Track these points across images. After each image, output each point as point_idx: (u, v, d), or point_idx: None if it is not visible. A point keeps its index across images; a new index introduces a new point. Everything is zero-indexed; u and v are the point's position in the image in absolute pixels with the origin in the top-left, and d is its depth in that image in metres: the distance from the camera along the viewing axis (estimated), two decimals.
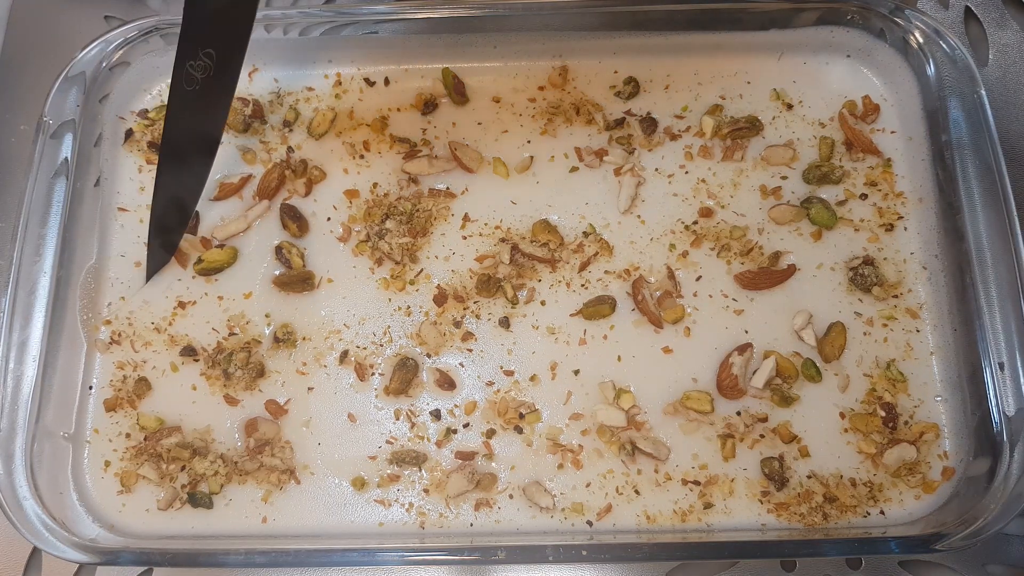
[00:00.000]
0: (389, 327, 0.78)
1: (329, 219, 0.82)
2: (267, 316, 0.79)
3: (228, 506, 0.74)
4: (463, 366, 0.77)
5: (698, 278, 0.78)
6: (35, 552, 0.76)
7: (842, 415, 0.74)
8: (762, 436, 0.74)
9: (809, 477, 0.73)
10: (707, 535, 0.72)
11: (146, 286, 0.80)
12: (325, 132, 0.84)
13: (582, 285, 0.79)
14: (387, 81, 0.86)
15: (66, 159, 0.79)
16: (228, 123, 0.84)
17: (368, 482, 0.74)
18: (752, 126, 0.82)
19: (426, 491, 0.74)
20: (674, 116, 0.84)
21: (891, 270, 0.77)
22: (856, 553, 0.70)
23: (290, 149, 0.84)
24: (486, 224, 0.81)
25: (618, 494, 0.73)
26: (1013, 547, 0.73)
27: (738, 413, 0.75)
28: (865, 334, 0.76)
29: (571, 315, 0.78)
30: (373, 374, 0.77)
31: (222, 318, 0.79)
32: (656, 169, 0.82)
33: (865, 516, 0.72)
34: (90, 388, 0.78)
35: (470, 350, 0.77)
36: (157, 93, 0.86)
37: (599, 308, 0.77)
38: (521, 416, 0.75)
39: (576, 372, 0.76)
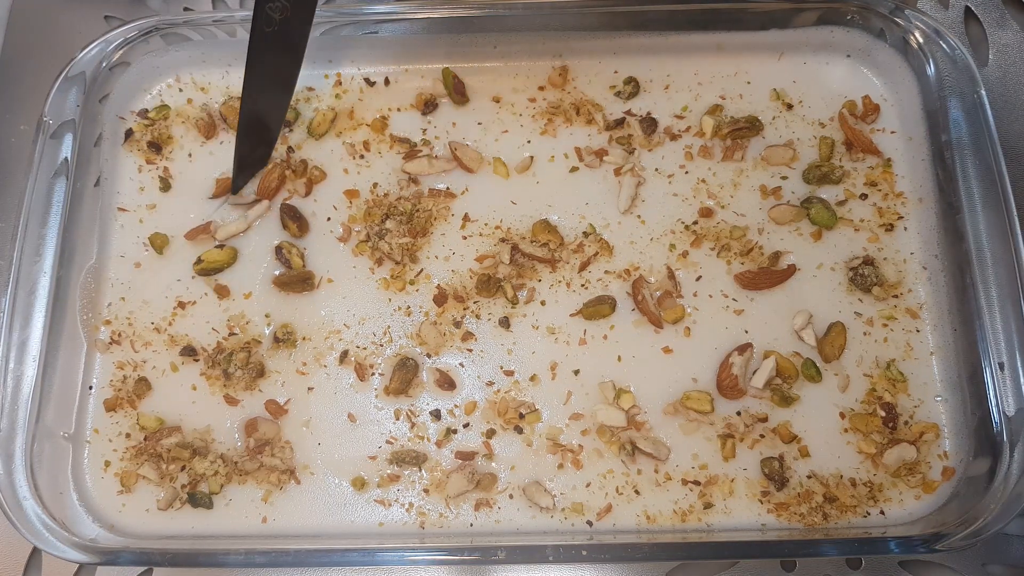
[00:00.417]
0: (389, 327, 0.78)
1: (329, 219, 0.82)
2: (267, 316, 0.79)
3: (228, 506, 0.74)
4: (463, 366, 0.77)
5: (698, 278, 0.78)
6: (35, 552, 0.76)
7: (842, 415, 0.74)
8: (762, 436, 0.74)
9: (809, 477, 0.73)
10: (707, 535, 0.72)
11: (146, 286, 0.80)
12: (325, 132, 0.84)
13: (582, 285, 0.79)
14: (387, 81, 0.86)
15: (66, 159, 0.79)
16: (228, 123, 0.84)
17: (368, 482, 0.74)
18: (752, 126, 0.82)
19: (426, 491, 0.74)
20: (674, 116, 0.84)
21: (891, 270, 0.77)
22: (856, 553, 0.70)
23: (290, 149, 0.84)
24: (486, 224, 0.81)
25: (618, 494, 0.73)
26: (1013, 547, 0.73)
27: (738, 413, 0.75)
28: (865, 334, 0.76)
29: (571, 315, 0.78)
30: (373, 374, 0.77)
31: (222, 318, 0.79)
32: (656, 169, 0.82)
33: (865, 516, 0.72)
34: (90, 388, 0.78)
35: (470, 350, 0.77)
36: (157, 93, 0.86)
37: (599, 308, 0.77)
38: (521, 416, 0.75)
39: (576, 372, 0.76)
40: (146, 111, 0.85)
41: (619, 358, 0.77)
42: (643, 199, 0.81)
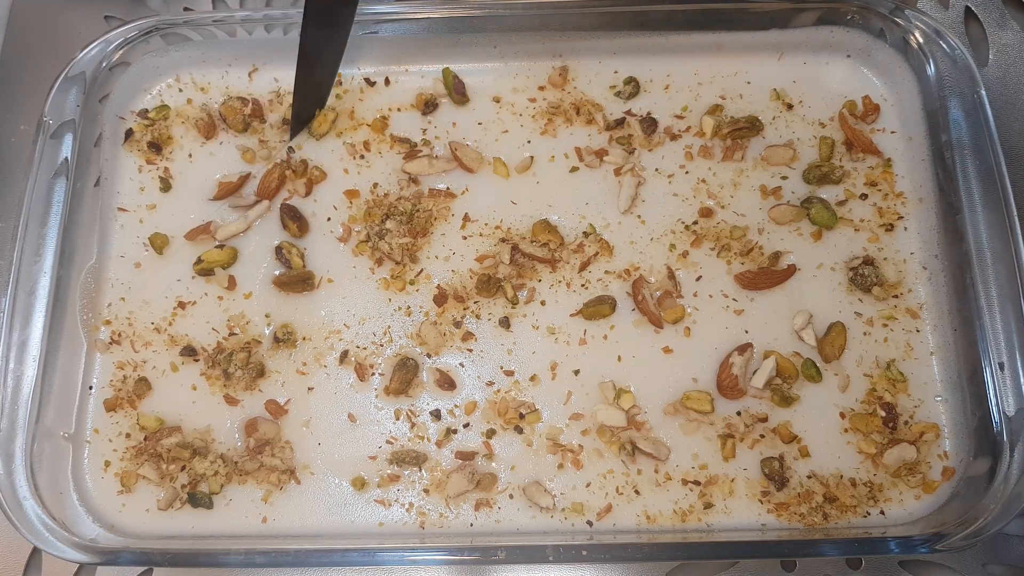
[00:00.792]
0: (389, 327, 0.78)
1: (329, 219, 0.82)
2: (267, 316, 0.79)
3: (228, 506, 0.74)
4: (463, 366, 0.77)
5: (698, 278, 0.78)
6: (35, 552, 0.76)
7: (842, 415, 0.74)
8: (762, 436, 0.74)
9: (809, 477, 0.73)
10: (707, 535, 0.72)
11: (146, 286, 0.80)
12: (326, 132, 0.84)
13: (582, 285, 0.79)
14: (387, 81, 0.86)
15: (66, 159, 0.79)
16: (228, 123, 0.84)
17: (368, 482, 0.74)
18: (752, 126, 0.82)
19: (426, 491, 0.74)
20: (674, 116, 0.84)
21: (891, 270, 0.77)
22: (856, 553, 0.70)
23: (290, 149, 0.84)
24: (486, 224, 0.81)
25: (618, 494, 0.73)
26: (1013, 547, 0.73)
27: (738, 413, 0.75)
28: (865, 334, 0.76)
29: (571, 315, 0.78)
30: (373, 374, 0.77)
31: (222, 318, 0.79)
32: (656, 169, 0.82)
33: (865, 516, 0.72)
34: (90, 388, 0.78)
35: (470, 350, 0.77)
36: (157, 93, 0.86)
37: (599, 308, 0.77)
38: (521, 416, 0.75)
39: (576, 372, 0.76)
40: (146, 111, 0.85)
41: (619, 358, 0.77)
42: (643, 199, 0.81)
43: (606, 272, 0.79)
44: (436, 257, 0.80)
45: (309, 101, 0.83)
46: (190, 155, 0.84)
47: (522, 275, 0.79)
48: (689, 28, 0.84)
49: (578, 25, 0.84)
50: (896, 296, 0.77)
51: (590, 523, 0.73)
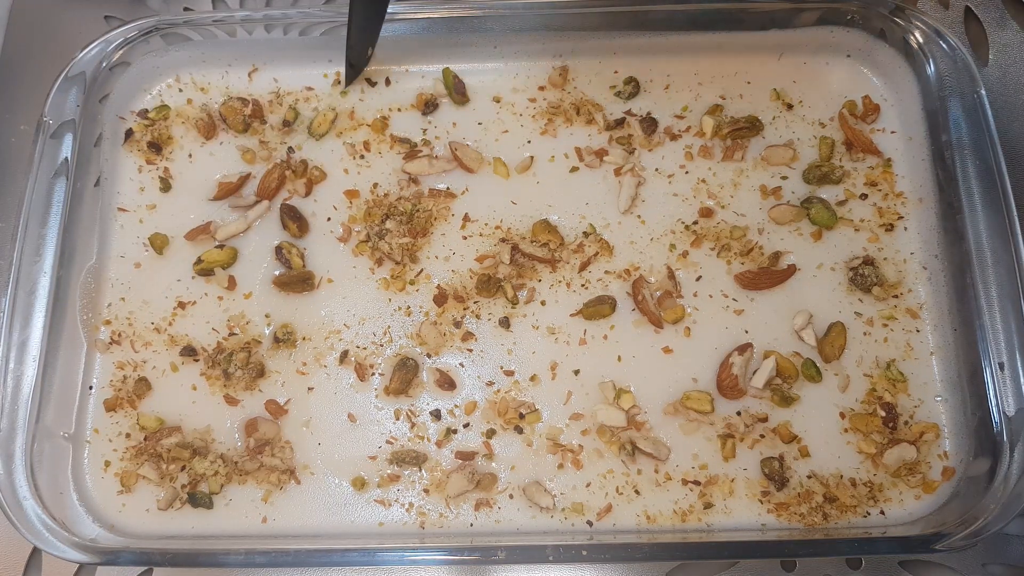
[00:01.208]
0: (389, 327, 0.78)
1: (329, 219, 0.82)
2: (267, 316, 0.79)
3: (228, 506, 0.74)
4: (463, 366, 0.77)
5: (698, 278, 0.78)
6: (35, 552, 0.76)
7: (842, 415, 0.74)
8: (762, 436, 0.74)
9: (809, 477, 0.73)
10: (707, 535, 0.72)
11: (146, 286, 0.80)
12: (326, 132, 0.84)
13: (582, 285, 0.79)
14: (387, 81, 0.86)
15: (66, 159, 0.79)
16: (228, 123, 0.84)
17: (368, 482, 0.74)
18: (752, 126, 0.82)
19: (426, 491, 0.74)
20: (674, 116, 0.84)
21: (891, 270, 0.77)
22: (856, 553, 0.70)
23: (290, 149, 0.84)
24: (486, 224, 0.81)
25: (618, 494, 0.73)
26: (1013, 547, 0.73)
27: (738, 413, 0.75)
28: (865, 334, 0.76)
29: (571, 315, 0.78)
30: (373, 374, 0.77)
31: (222, 318, 0.79)
32: (656, 169, 0.82)
33: (865, 516, 0.72)
34: (90, 388, 0.78)
35: (470, 350, 0.77)
36: (157, 93, 0.86)
37: (599, 308, 0.77)
38: (521, 416, 0.75)
39: (576, 372, 0.76)
40: (146, 111, 0.85)
41: (619, 358, 0.77)
42: (643, 199, 0.81)
43: (606, 272, 0.79)
44: (436, 257, 0.80)
45: (362, 42, 0.82)
46: (190, 155, 0.84)
47: (522, 275, 0.79)
48: (689, 28, 0.84)
49: (578, 25, 0.84)
50: (896, 296, 0.77)
51: (590, 523, 0.73)
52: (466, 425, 0.75)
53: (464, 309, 0.78)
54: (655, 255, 0.79)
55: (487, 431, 0.75)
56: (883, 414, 0.74)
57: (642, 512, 0.73)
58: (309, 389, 0.77)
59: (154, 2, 0.92)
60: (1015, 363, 0.70)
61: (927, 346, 0.76)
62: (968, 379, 0.73)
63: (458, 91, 0.84)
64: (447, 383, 0.76)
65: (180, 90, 0.86)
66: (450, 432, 0.75)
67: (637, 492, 0.73)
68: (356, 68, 0.84)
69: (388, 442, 0.75)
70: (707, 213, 0.80)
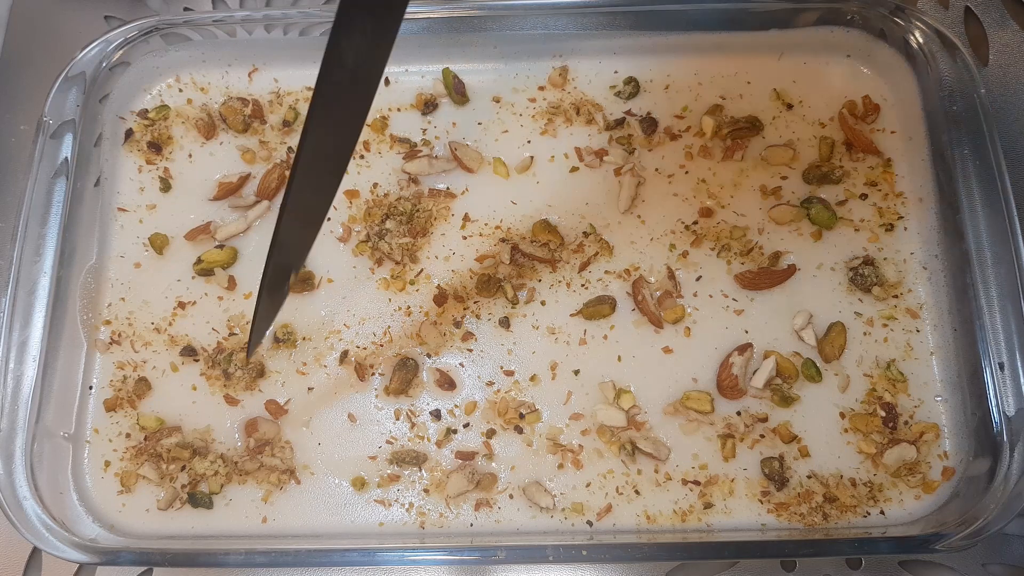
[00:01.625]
0: (389, 327, 0.78)
1: (329, 219, 0.82)
2: None
3: (228, 506, 0.74)
4: (463, 366, 0.77)
5: (698, 278, 0.78)
6: (35, 552, 0.76)
7: (842, 415, 0.74)
8: (762, 436, 0.74)
9: (809, 477, 0.73)
10: (707, 535, 0.72)
11: (146, 286, 0.80)
12: None
13: (582, 285, 0.79)
14: (387, 81, 0.86)
15: (66, 159, 0.79)
16: (228, 123, 0.84)
17: (368, 482, 0.74)
18: (752, 126, 0.82)
19: (426, 491, 0.74)
20: (674, 116, 0.84)
21: (891, 270, 0.77)
22: (856, 553, 0.70)
23: (290, 149, 0.84)
24: (486, 224, 0.81)
25: (618, 494, 0.73)
26: (1013, 547, 0.73)
27: (738, 413, 0.75)
28: (865, 334, 0.76)
29: (571, 315, 0.78)
30: (373, 374, 0.77)
31: (222, 318, 0.79)
32: (656, 169, 0.82)
33: (865, 516, 0.72)
34: (90, 388, 0.78)
35: (470, 350, 0.77)
36: (157, 93, 0.86)
37: (599, 308, 0.77)
38: (521, 416, 0.75)
39: (576, 372, 0.76)
40: (146, 111, 0.85)
41: (619, 358, 0.77)
42: (643, 199, 0.81)
43: (606, 272, 0.79)
44: (436, 257, 0.80)
45: (262, 330, 0.65)
46: (190, 155, 0.84)
47: (522, 275, 0.79)
48: (689, 28, 0.84)
49: (578, 25, 0.84)
50: (896, 296, 0.77)
51: (590, 523, 0.73)
52: (466, 425, 0.75)
53: (464, 309, 0.78)
54: (655, 255, 0.79)
55: (487, 431, 0.75)
56: (883, 414, 0.74)
57: (642, 512, 0.73)
58: (309, 389, 0.77)
59: (154, 2, 0.92)
60: (1015, 363, 0.70)
61: (927, 346, 0.76)
62: (968, 379, 0.73)
63: (458, 91, 0.84)
64: (447, 383, 0.76)
65: (180, 90, 0.86)
66: (450, 432, 0.75)
67: (637, 492, 0.73)
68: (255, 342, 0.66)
69: (388, 442, 0.75)
70: (707, 213, 0.80)
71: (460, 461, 0.75)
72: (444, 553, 0.70)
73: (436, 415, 0.76)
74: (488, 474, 0.74)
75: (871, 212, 0.80)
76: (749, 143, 0.82)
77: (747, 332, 0.77)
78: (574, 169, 0.82)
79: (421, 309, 0.79)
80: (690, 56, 0.85)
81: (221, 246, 0.81)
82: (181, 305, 0.80)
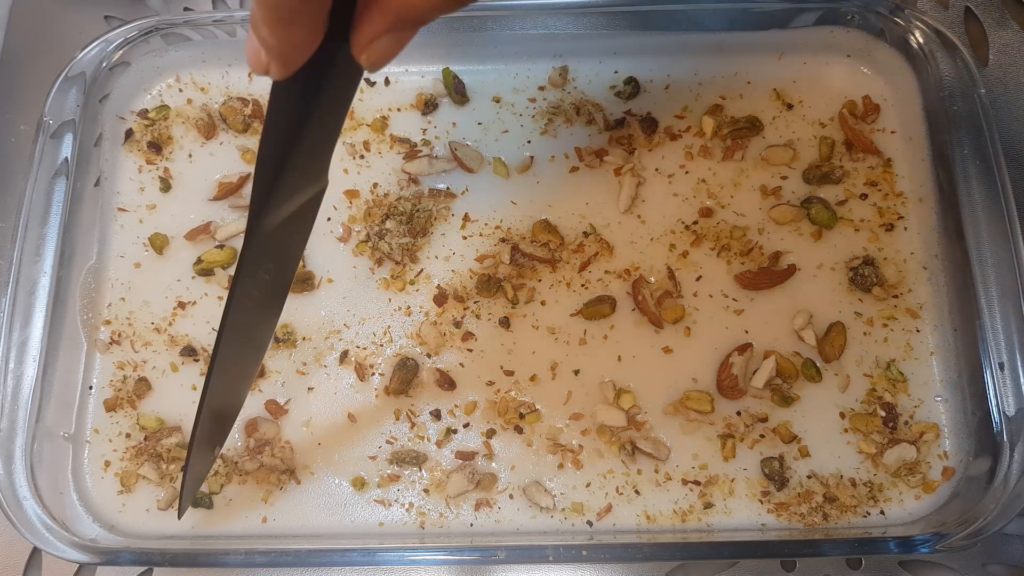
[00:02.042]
0: (389, 327, 0.78)
1: (329, 219, 0.82)
2: None
3: (228, 506, 0.74)
4: (463, 366, 0.77)
5: (698, 278, 0.78)
6: (35, 552, 0.76)
7: (842, 415, 0.74)
8: (762, 436, 0.74)
9: (809, 477, 0.73)
10: (707, 535, 0.72)
11: (146, 286, 0.80)
12: None
13: (582, 285, 0.79)
14: (387, 81, 0.86)
15: (66, 159, 0.79)
16: (228, 123, 0.84)
17: (368, 482, 0.74)
18: (752, 126, 0.82)
19: (426, 491, 0.74)
20: (674, 116, 0.84)
21: (891, 270, 0.77)
22: (856, 553, 0.70)
23: None
24: (486, 224, 0.81)
25: (618, 494, 0.73)
26: (1013, 547, 0.73)
27: (738, 413, 0.75)
28: (865, 334, 0.76)
29: (571, 315, 0.78)
30: (373, 374, 0.77)
31: None
32: (656, 169, 0.82)
33: (865, 516, 0.72)
34: (90, 388, 0.78)
35: (470, 350, 0.77)
36: (157, 93, 0.86)
37: (599, 308, 0.77)
38: (521, 416, 0.75)
39: (576, 372, 0.76)
40: (146, 111, 0.85)
41: (619, 358, 0.77)
42: (643, 199, 0.81)
43: (606, 272, 0.79)
44: (436, 257, 0.80)
45: (193, 490, 0.68)
46: (190, 155, 0.84)
47: (522, 275, 0.79)
48: (689, 28, 0.84)
49: (578, 25, 0.84)
50: (896, 296, 0.77)
51: (590, 523, 0.73)
52: (466, 425, 0.75)
53: (464, 309, 0.78)
54: (655, 255, 0.79)
55: (487, 431, 0.75)
56: (883, 414, 0.74)
57: (642, 512, 0.73)
58: (309, 389, 0.77)
59: (154, 2, 0.92)
60: (1015, 363, 0.70)
61: (927, 346, 0.76)
62: (968, 379, 0.73)
63: (458, 91, 0.84)
64: (447, 383, 0.76)
65: (180, 90, 0.86)
66: (450, 432, 0.75)
67: (637, 492, 0.73)
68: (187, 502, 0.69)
69: (388, 442, 0.75)
70: (707, 213, 0.80)
71: (460, 461, 0.75)
72: (444, 553, 0.70)
73: (436, 415, 0.76)
74: (488, 474, 0.74)
75: (871, 212, 0.80)
76: (749, 143, 0.82)
77: (747, 332, 0.77)
78: (574, 169, 0.82)
79: (421, 309, 0.79)
80: (690, 56, 0.85)
81: (221, 246, 0.81)
82: (181, 305, 0.80)
